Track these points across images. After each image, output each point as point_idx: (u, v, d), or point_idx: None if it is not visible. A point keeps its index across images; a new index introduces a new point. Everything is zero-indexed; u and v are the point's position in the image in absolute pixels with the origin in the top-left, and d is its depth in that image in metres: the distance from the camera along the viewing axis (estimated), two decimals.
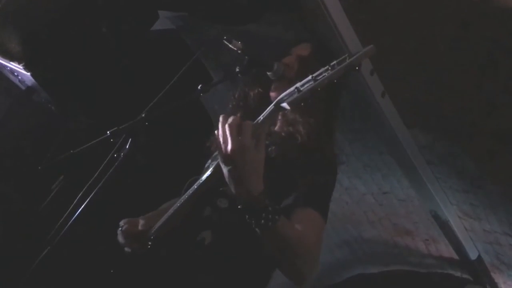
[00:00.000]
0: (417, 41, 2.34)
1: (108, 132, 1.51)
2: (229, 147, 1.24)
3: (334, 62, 1.19)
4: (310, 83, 1.20)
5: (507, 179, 2.81)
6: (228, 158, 1.25)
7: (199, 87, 1.71)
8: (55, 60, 2.14)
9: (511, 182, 2.81)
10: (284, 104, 1.24)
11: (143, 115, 1.59)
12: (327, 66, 1.19)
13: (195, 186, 1.51)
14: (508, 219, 3.22)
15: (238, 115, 1.92)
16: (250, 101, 1.96)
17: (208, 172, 1.47)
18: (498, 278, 4.34)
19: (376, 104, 2.67)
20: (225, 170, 1.29)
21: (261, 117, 1.33)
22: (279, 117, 1.82)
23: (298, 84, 1.23)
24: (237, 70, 1.79)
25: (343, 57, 1.20)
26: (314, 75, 1.21)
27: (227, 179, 1.30)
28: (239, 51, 1.77)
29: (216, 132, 1.29)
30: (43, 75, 2.13)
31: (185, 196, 1.54)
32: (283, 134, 1.75)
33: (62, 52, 2.13)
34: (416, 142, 3.04)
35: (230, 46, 1.77)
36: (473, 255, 4.10)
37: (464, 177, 3.15)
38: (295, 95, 1.21)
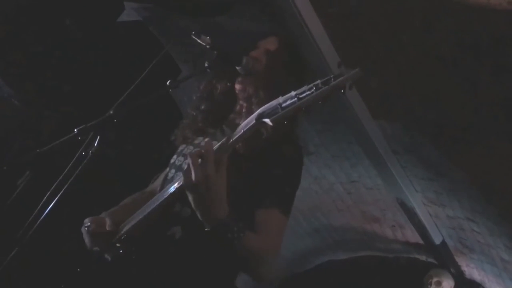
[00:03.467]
0: (383, 34, 2.38)
1: (75, 130, 1.48)
2: (192, 177, 1.27)
3: (319, 81, 1.16)
4: (294, 100, 1.18)
5: (470, 167, 2.91)
6: (190, 187, 1.30)
7: (167, 83, 1.68)
8: (17, 54, 2.08)
9: (473, 171, 2.91)
10: (267, 120, 1.24)
11: (111, 112, 1.56)
12: (312, 85, 1.17)
13: (171, 189, 1.50)
14: (471, 205, 3.34)
15: (202, 107, 1.92)
16: (216, 94, 1.95)
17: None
18: (461, 261, 4.51)
19: (343, 96, 2.70)
20: (190, 198, 1.33)
21: (241, 130, 1.33)
22: (243, 110, 1.82)
23: (280, 100, 1.22)
24: (206, 65, 1.77)
25: (328, 77, 1.17)
26: (297, 92, 1.18)
27: (193, 206, 1.33)
28: (207, 46, 1.76)
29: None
30: (5, 70, 2.06)
31: (160, 198, 1.54)
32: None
33: (24, 46, 2.07)
34: (383, 133, 3.10)
35: (199, 41, 1.75)
36: (437, 240, 4.24)
37: (429, 166, 3.25)
38: (279, 113, 1.21)
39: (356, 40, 2.48)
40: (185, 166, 1.31)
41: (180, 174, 1.58)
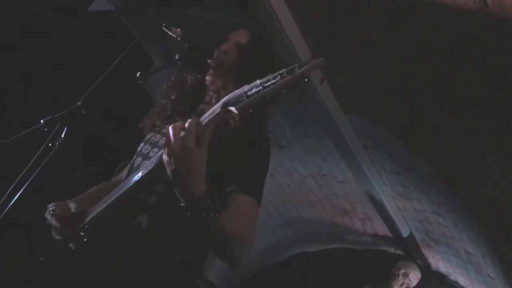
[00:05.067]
0: (353, 28, 2.41)
1: (42, 121, 1.46)
2: (172, 148, 1.27)
3: (283, 70, 1.18)
4: (259, 88, 1.20)
5: (436, 162, 2.98)
6: (171, 160, 1.29)
7: (137, 75, 1.67)
8: None
9: (439, 165, 2.99)
10: (232, 108, 1.25)
11: (79, 103, 1.55)
12: (276, 74, 1.19)
13: (135, 178, 1.50)
14: (437, 199, 3.42)
15: (172, 97, 1.92)
16: (187, 85, 1.96)
17: (152, 165, 1.47)
18: (427, 253, 4.62)
19: (315, 90, 2.73)
20: (168, 170, 1.32)
21: (206, 118, 1.33)
22: (213, 101, 1.82)
23: (246, 88, 1.23)
24: (177, 57, 1.77)
25: (292, 66, 1.19)
26: (262, 81, 1.20)
27: (171, 179, 1.33)
28: (178, 38, 1.75)
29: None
30: None
31: (125, 186, 1.53)
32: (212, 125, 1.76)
33: None
34: (353, 127, 3.15)
35: (170, 33, 1.75)
36: (405, 233, 4.34)
37: (398, 160, 3.31)
38: (244, 101, 1.22)
39: (327, 35, 2.51)
40: (165, 139, 1.30)
41: (147, 162, 1.59)
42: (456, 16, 1.85)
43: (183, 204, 1.35)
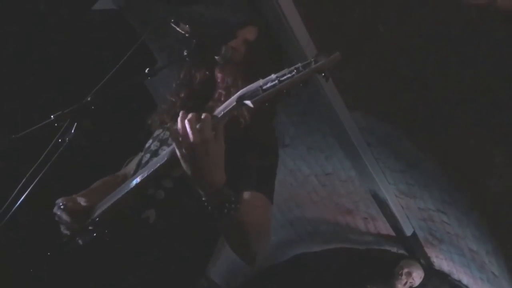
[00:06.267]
0: (359, 25, 2.41)
1: (52, 116, 1.46)
2: (190, 140, 1.24)
3: (299, 64, 1.16)
4: (274, 82, 1.19)
5: (440, 158, 2.98)
6: (188, 152, 1.26)
7: (146, 71, 1.67)
8: None
9: (444, 162, 2.98)
10: (248, 102, 1.23)
11: (89, 99, 1.55)
12: (293, 68, 1.17)
13: (145, 174, 1.50)
14: (441, 197, 3.42)
15: (182, 95, 1.92)
16: (196, 82, 1.95)
17: (163, 160, 1.46)
18: (430, 252, 4.62)
19: (319, 87, 2.74)
20: (185, 164, 1.29)
21: (221, 112, 1.32)
22: (222, 98, 1.82)
23: (261, 82, 1.22)
24: (185, 53, 1.77)
25: (309, 61, 1.18)
26: (277, 75, 1.18)
27: (188, 173, 1.30)
28: (186, 35, 1.75)
29: (174, 128, 1.30)
30: None
31: (135, 181, 1.52)
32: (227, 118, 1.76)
33: None
34: (357, 125, 3.15)
35: (178, 29, 1.74)
36: (408, 232, 4.34)
37: (402, 157, 3.31)
38: (260, 94, 1.21)
39: (332, 30, 2.51)
40: (177, 132, 1.27)
41: (155, 159, 1.59)
42: (463, 9, 1.85)
43: (204, 198, 1.33)
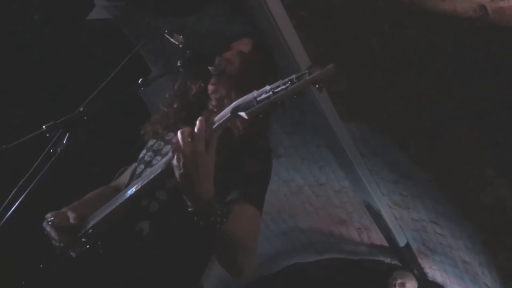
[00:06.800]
0: (352, 37, 2.42)
1: (43, 126, 1.45)
2: (182, 152, 1.26)
3: (293, 76, 1.16)
4: (269, 94, 1.19)
5: (433, 170, 2.99)
6: (180, 163, 1.28)
7: (139, 81, 1.67)
8: None
9: (437, 173, 2.99)
10: (242, 113, 1.24)
11: (81, 109, 1.54)
12: (287, 79, 1.17)
13: (140, 185, 1.49)
14: (434, 207, 3.43)
15: (175, 105, 1.92)
16: (190, 94, 1.95)
17: (158, 171, 1.46)
18: (424, 263, 4.62)
19: (313, 98, 2.74)
20: (177, 173, 1.30)
21: (215, 123, 1.32)
22: (215, 110, 1.82)
23: (255, 94, 1.23)
24: (179, 64, 1.77)
25: (303, 72, 1.19)
26: (272, 86, 1.18)
27: (179, 183, 1.32)
28: (180, 45, 1.75)
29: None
30: None
31: (129, 192, 1.52)
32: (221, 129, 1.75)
33: None
34: (351, 136, 3.15)
35: (172, 40, 1.75)
36: (401, 242, 4.34)
37: (395, 168, 3.32)
38: (254, 106, 1.21)
39: (326, 43, 2.52)
40: (174, 142, 1.29)
41: (149, 169, 1.58)
42: (456, 24, 1.87)
43: (191, 209, 1.33)
